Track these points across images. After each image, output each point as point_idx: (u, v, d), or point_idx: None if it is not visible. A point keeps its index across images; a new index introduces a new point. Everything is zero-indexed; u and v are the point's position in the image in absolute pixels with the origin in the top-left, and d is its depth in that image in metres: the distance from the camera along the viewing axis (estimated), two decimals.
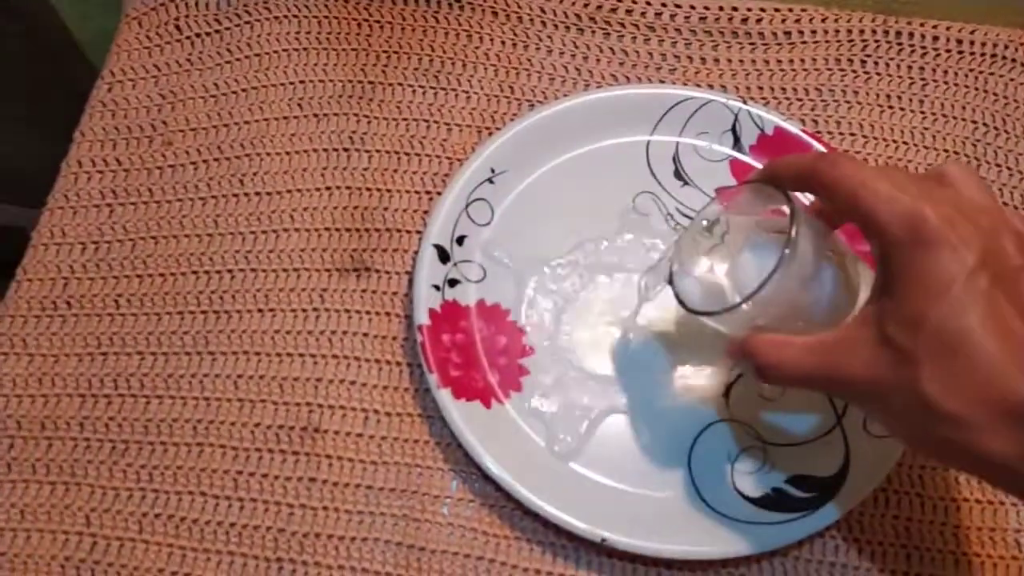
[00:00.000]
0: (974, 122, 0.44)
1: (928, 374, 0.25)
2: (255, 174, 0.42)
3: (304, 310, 0.39)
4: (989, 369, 0.24)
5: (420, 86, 0.44)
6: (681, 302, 0.32)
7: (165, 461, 0.36)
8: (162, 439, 0.36)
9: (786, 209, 0.29)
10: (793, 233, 0.28)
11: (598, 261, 0.39)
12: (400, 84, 0.44)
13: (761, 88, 0.44)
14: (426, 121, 0.43)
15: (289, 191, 0.41)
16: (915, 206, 0.26)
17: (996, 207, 0.27)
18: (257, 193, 0.41)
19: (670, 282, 0.32)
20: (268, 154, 0.42)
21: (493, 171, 0.40)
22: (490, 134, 0.42)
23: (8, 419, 0.37)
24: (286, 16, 0.45)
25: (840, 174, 0.28)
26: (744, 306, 0.29)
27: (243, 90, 0.44)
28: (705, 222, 0.33)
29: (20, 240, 0.41)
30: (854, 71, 0.44)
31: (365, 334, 0.38)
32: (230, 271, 0.40)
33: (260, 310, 0.39)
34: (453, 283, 0.38)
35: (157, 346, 0.38)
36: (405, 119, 0.43)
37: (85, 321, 0.39)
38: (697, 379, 0.37)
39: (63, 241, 0.40)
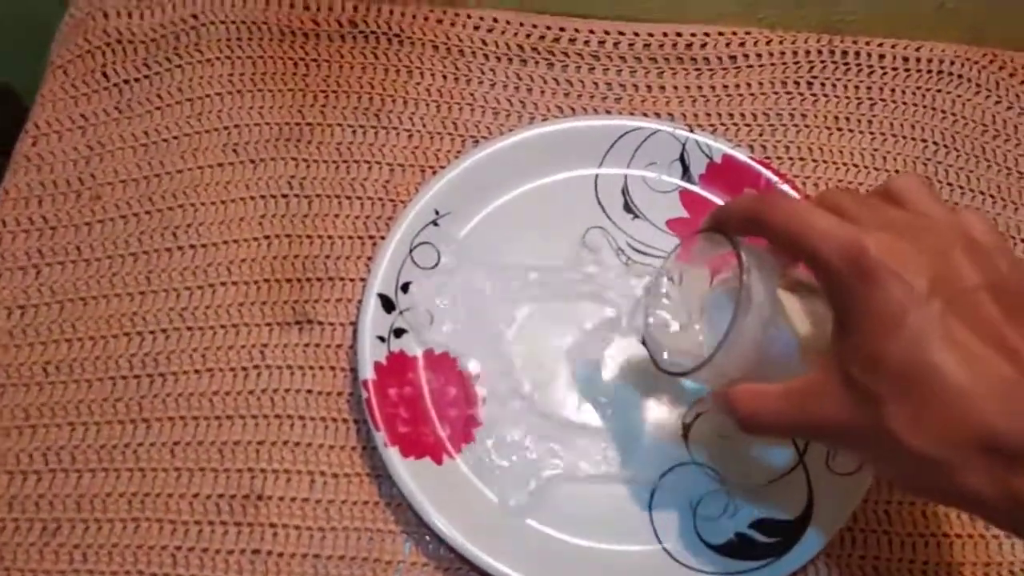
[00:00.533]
0: (923, 141, 0.43)
1: (895, 414, 0.24)
2: (188, 226, 0.40)
3: (244, 368, 0.37)
4: (955, 402, 0.23)
5: (360, 126, 0.42)
6: (655, 363, 0.31)
7: (99, 540, 0.34)
8: (96, 515, 0.34)
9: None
10: (744, 281, 0.27)
11: (549, 303, 0.38)
12: (339, 124, 0.42)
13: (708, 115, 0.43)
14: (367, 162, 0.42)
15: (225, 242, 0.40)
16: (853, 239, 0.25)
17: (947, 218, 0.26)
18: (192, 246, 0.40)
19: (643, 342, 0.32)
20: (202, 204, 0.40)
21: (437, 212, 0.39)
22: (434, 173, 0.41)
23: None
24: (218, 58, 0.44)
25: (778, 215, 0.27)
26: (712, 362, 0.28)
27: (175, 137, 0.42)
28: (667, 278, 0.32)
29: None
30: (801, 94, 0.44)
31: (309, 391, 0.37)
32: (164, 331, 0.38)
33: (197, 371, 0.37)
34: (399, 333, 0.37)
35: (89, 415, 0.36)
36: (345, 161, 0.42)
37: (12, 392, 0.37)
38: (658, 418, 0.36)
39: None
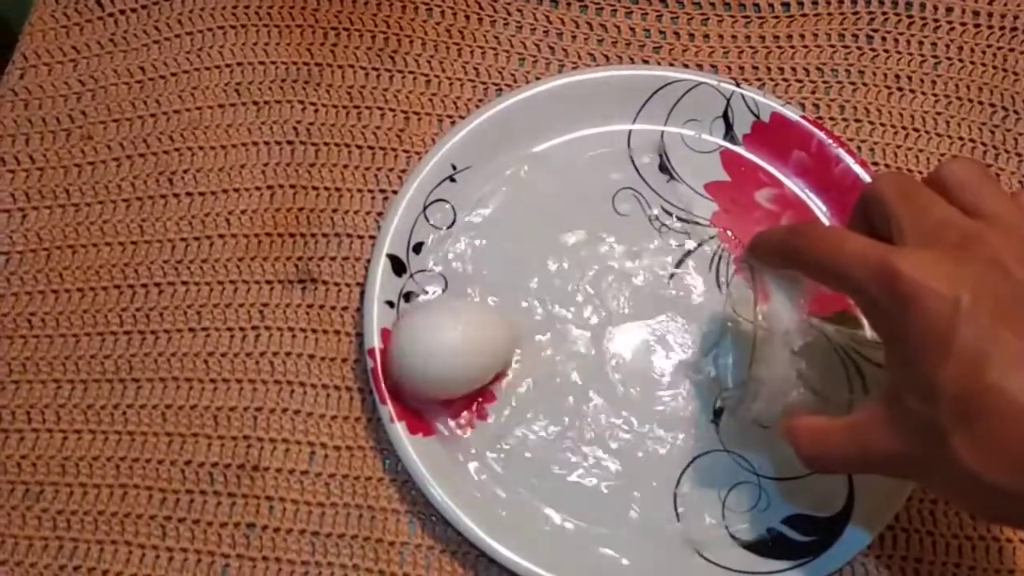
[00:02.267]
0: (992, 105, 0.39)
1: (962, 445, 0.21)
2: (185, 172, 0.37)
3: (242, 329, 0.34)
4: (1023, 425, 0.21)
5: (374, 68, 0.39)
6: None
7: (84, 506, 0.32)
8: (81, 480, 0.32)
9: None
10: (757, 312, 0.27)
11: (571, 270, 0.35)
12: (351, 66, 0.39)
13: (756, 68, 0.39)
14: (380, 109, 0.38)
15: (224, 191, 0.37)
16: (883, 261, 0.23)
17: (1005, 213, 0.24)
18: (188, 194, 0.37)
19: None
20: (201, 148, 0.37)
21: (455, 167, 0.36)
22: (452, 123, 0.38)
23: None
24: None
25: (808, 244, 0.25)
26: (748, 397, 0.28)
27: (172, 74, 0.39)
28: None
29: None
30: (859, 48, 0.40)
31: (311, 356, 0.34)
32: (157, 285, 0.35)
33: (191, 329, 0.34)
34: (409, 297, 0.34)
35: (75, 373, 0.34)
36: (357, 107, 0.38)
37: None
38: (687, 402, 0.33)
39: None
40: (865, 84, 0.39)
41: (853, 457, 0.25)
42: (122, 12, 0.40)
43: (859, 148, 0.38)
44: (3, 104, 0.38)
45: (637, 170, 0.37)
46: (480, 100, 0.38)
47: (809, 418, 0.27)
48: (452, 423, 0.32)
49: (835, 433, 0.25)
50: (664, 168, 0.37)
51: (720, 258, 0.35)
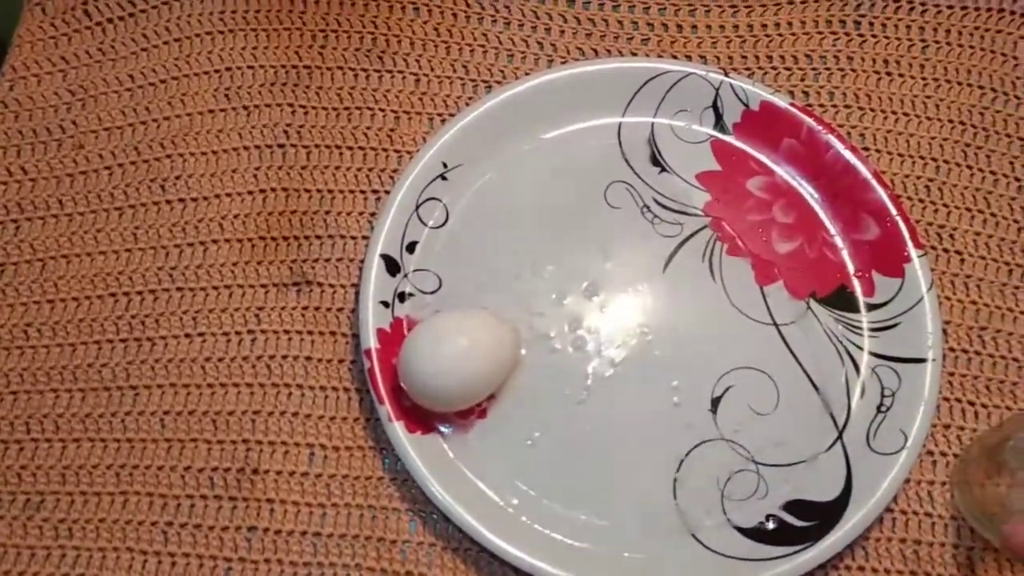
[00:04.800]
0: (981, 87, 0.39)
1: None
2: (177, 178, 0.37)
3: (238, 333, 0.34)
4: None
5: (363, 69, 0.39)
6: None
7: (86, 514, 0.32)
8: (82, 489, 0.32)
9: None
10: None
11: (565, 266, 0.35)
12: (339, 68, 0.39)
13: (744, 57, 0.39)
14: (370, 109, 0.38)
15: (217, 196, 0.37)
16: None
17: None
18: (180, 200, 0.37)
19: None
20: (192, 154, 0.37)
21: (446, 165, 0.36)
22: (443, 122, 0.38)
23: None
24: None
25: None
26: None
27: (162, 81, 0.39)
28: None
29: None
30: (847, 34, 0.40)
31: (308, 358, 0.34)
32: (152, 291, 0.35)
33: (188, 335, 0.34)
34: (404, 297, 0.34)
35: (72, 382, 0.34)
36: (347, 108, 0.38)
37: None
38: (684, 390, 0.33)
39: None
40: (854, 70, 0.39)
41: None
42: (110, 21, 0.40)
43: (849, 134, 0.38)
44: None
45: (628, 162, 0.37)
46: (470, 98, 0.38)
47: None
48: (451, 421, 0.32)
49: None
50: (655, 160, 0.37)
51: (713, 247, 0.35)
